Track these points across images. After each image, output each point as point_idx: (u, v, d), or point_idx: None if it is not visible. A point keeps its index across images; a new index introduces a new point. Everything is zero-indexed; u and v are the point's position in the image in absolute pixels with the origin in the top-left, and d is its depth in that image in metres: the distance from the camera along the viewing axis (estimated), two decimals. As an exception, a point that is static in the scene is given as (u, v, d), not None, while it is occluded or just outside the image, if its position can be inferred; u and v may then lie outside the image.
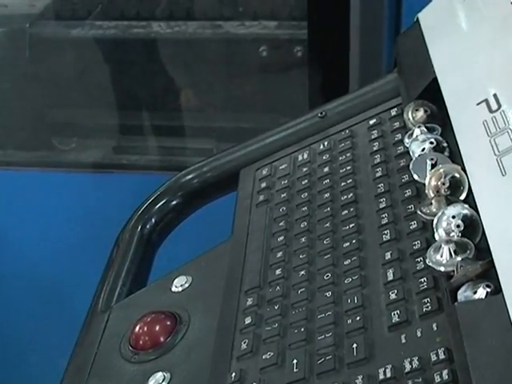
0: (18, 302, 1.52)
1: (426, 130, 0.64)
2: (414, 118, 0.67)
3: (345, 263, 0.60)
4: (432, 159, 0.60)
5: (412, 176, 0.62)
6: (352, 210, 0.65)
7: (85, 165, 1.62)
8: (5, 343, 1.56)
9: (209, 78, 1.66)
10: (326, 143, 0.76)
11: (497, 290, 0.47)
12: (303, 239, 0.65)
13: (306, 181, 0.72)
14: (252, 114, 1.67)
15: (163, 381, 0.59)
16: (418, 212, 0.58)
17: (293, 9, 1.60)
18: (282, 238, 0.66)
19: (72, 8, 1.70)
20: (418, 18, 0.78)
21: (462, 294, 0.48)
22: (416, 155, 0.62)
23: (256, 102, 1.67)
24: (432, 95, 0.68)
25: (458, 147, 0.60)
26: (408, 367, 0.48)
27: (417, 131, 0.64)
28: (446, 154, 0.62)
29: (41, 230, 1.45)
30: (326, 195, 0.68)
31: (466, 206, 0.55)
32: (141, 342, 0.63)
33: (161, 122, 1.68)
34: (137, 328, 0.64)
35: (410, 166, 0.62)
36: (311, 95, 1.40)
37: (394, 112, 0.74)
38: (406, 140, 0.66)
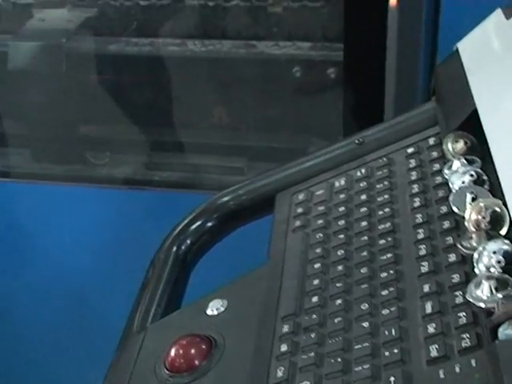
0: (47, 313, 1.53)
1: (465, 162, 0.64)
2: (453, 150, 0.67)
3: (382, 294, 0.60)
4: (472, 192, 0.60)
5: (451, 208, 0.62)
6: (390, 239, 0.65)
7: (117, 180, 1.64)
8: (32, 351, 1.57)
9: (242, 96, 1.67)
10: (363, 170, 0.76)
11: (538, 329, 0.47)
12: (340, 267, 0.65)
13: (343, 208, 0.72)
14: (283, 134, 1.68)
15: (198, 404, 0.59)
16: (458, 245, 0.58)
17: (327, 30, 1.61)
18: (318, 265, 0.66)
19: (108, 24, 1.72)
20: (457, 48, 0.78)
21: (503, 332, 0.48)
22: (456, 188, 0.62)
23: (288, 122, 1.68)
24: (472, 126, 0.68)
25: (499, 181, 0.60)
26: (446, 403, 0.48)
27: (457, 163, 0.64)
28: (487, 187, 0.62)
29: (73, 244, 1.47)
30: (364, 223, 0.68)
31: (507, 241, 0.54)
32: (176, 365, 0.63)
33: (193, 140, 1.70)
34: (172, 350, 0.64)
35: (450, 199, 0.62)
36: (345, 118, 1.41)
37: (432, 141, 0.74)
38: (446, 171, 0.66)
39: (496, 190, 0.61)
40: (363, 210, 0.70)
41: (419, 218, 0.65)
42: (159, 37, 1.67)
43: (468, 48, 0.78)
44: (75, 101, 1.68)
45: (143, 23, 1.72)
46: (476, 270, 0.55)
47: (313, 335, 0.59)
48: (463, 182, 0.62)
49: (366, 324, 0.57)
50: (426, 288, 0.58)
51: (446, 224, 0.62)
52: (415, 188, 0.69)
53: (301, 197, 0.77)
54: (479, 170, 0.63)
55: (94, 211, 1.45)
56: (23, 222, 1.51)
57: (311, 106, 1.64)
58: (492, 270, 0.53)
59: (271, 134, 1.70)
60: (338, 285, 0.63)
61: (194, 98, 1.68)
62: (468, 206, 0.59)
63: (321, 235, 0.70)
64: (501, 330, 0.48)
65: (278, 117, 1.68)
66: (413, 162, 0.73)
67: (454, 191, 0.62)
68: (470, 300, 0.52)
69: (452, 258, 0.59)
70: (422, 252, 0.61)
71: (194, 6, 1.69)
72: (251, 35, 1.66)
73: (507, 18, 0.76)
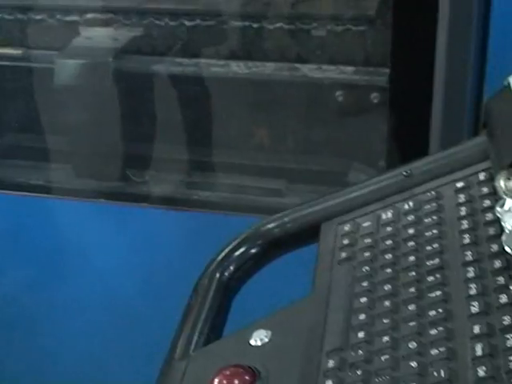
0: (88, 333, 1.54)
1: (519, 201, 0.63)
2: (506, 187, 0.66)
3: (431, 333, 0.59)
4: (526, 234, 0.59)
5: (503, 247, 0.61)
6: (438, 276, 0.64)
7: (157, 199, 1.65)
8: (71, 372, 1.58)
9: (283, 119, 1.67)
10: (410, 203, 0.75)
11: None
12: (387, 303, 0.64)
13: (390, 241, 0.71)
14: (324, 157, 1.68)
15: None
16: (510, 286, 0.57)
17: (371, 54, 1.60)
18: (364, 299, 0.66)
19: (153, 43, 1.74)
20: (509, 83, 0.77)
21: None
22: (509, 227, 0.61)
23: (329, 146, 1.68)
24: (525, 164, 0.67)
25: (553, 222, 0.59)
26: None
27: (509, 202, 0.63)
28: (541, 228, 0.61)
29: (112, 263, 1.48)
30: (411, 258, 0.68)
31: (562, 285, 0.53)
32: (219, 395, 0.63)
33: (233, 160, 1.70)
34: (216, 380, 0.64)
35: (503, 238, 0.61)
36: (388, 144, 1.40)
37: (482, 176, 0.73)
38: (498, 209, 0.65)
39: (550, 231, 0.60)
40: (411, 244, 0.69)
41: (469, 256, 0.64)
42: (203, 57, 1.68)
43: (521, 82, 0.77)
44: (118, 118, 1.69)
45: (188, 43, 1.74)
46: (529, 314, 0.54)
47: (359, 372, 0.58)
48: (516, 222, 0.61)
49: (413, 363, 0.57)
50: (477, 329, 0.57)
51: (498, 264, 0.61)
52: (465, 224, 0.68)
53: (347, 228, 0.77)
54: (533, 210, 0.62)
55: (134, 230, 1.46)
56: (62, 239, 1.52)
57: (353, 130, 1.63)
58: (546, 314, 0.52)
59: (311, 157, 1.70)
60: (384, 321, 0.62)
61: (236, 118, 1.69)
62: (521, 247, 0.59)
63: (367, 269, 0.69)
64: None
65: (319, 140, 1.68)
66: (462, 197, 0.72)
67: (506, 231, 0.61)
68: (523, 345, 0.51)
69: (503, 299, 0.58)
70: (472, 291, 0.60)
71: (238, 27, 1.70)
72: (294, 58, 1.67)
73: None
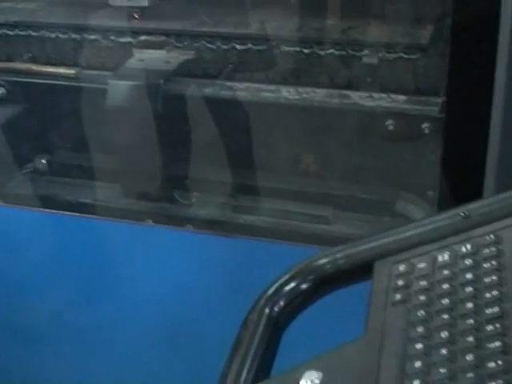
0: (136, 352, 1.53)
1: None
2: None
3: (490, 385, 0.57)
4: None
5: None
6: (497, 325, 0.62)
7: (203, 220, 1.65)
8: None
9: (332, 145, 1.66)
10: (468, 246, 0.73)
11: None
12: (443, 351, 0.62)
13: (447, 285, 0.70)
14: (372, 185, 1.66)
15: None
16: None
17: (423, 83, 1.59)
18: (420, 345, 0.64)
19: (204, 67, 1.75)
20: None
21: None
22: None
23: (377, 174, 1.66)
24: None
25: None
26: None
27: None
28: None
29: (158, 286, 1.48)
30: (469, 305, 0.66)
31: None
32: None
33: (280, 185, 1.70)
34: (265, 422, 0.63)
35: None
36: (438, 176, 1.38)
37: (544, 221, 0.71)
38: (562, 258, 0.63)
39: None
40: (469, 290, 0.68)
41: (530, 306, 0.62)
42: (254, 82, 1.68)
43: None
44: (167, 140, 1.70)
45: (239, 67, 1.75)
46: None
47: (414, 423, 0.57)
48: None
49: (471, 417, 0.55)
50: (538, 384, 0.55)
51: (562, 316, 0.59)
52: (526, 271, 0.66)
53: (401, 268, 0.75)
54: None
55: (179, 254, 1.46)
56: (107, 260, 1.53)
57: (402, 159, 1.62)
58: None
59: (359, 185, 1.68)
60: (441, 370, 0.61)
61: (285, 144, 1.69)
62: None
63: (423, 313, 0.68)
64: None
65: (368, 168, 1.67)
66: (523, 242, 0.70)
67: None
68: None
69: None
70: (535, 344, 0.58)
71: (289, 52, 1.70)
72: (345, 85, 1.66)
73: None
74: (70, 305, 1.59)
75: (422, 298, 0.70)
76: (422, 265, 0.74)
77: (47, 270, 1.58)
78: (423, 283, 0.71)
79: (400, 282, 0.73)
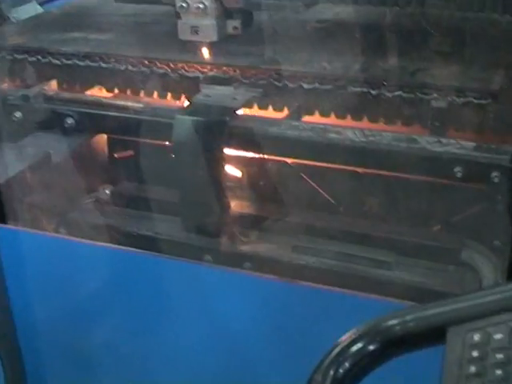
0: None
1: None
2: None
3: None
4: None
5: None
6: None
7: (262, 258, 1.64)
8: None
9: (396, 189, 1.64)
10: (549, 319, 0.70)
11: None
12: None
13: (526, 361, 0.67)
14: (436, 232, 1.63)
15: None
16: None
17: (493, 130, 1.55)
18: (496, 426, 0.61)
19: (271, 104, 1.75)
20: None
21: None
22: None
23: (442, 221, 1.63)
24: None
25: None
26: None
27: None
28: None
29: (211, 328, 1.46)
30: (551, 385, 0.63)
31: None
32: None
33: (342, 227, 1.67)
34: None
35: None
36: (507, 228, 1.34)
37: None
38: None
39: None
40: (550, 368, 0.64)
41: None
42: (319, 121, 1.67)
43: None
44: (230, 176, 1.70)
45: (305, 106, 1.74)
46: None
47: None
48: None
49: None
50: None
51: None
52: None
53: (476, 337, 0.72)
54: None
55: (239, 297, 1.44)
56: (163, 296, 1.52)
57: (469, 207, 1.58)
58: None
59: (423, 230, 1.65)
60: None
61: (348, 186, 1.67)
62: None
63: (500, 390, 0.65)
64: None
65: (433, 214, 1.63)
66: None
67: None
68: None
69: None
70: None
71: (356, 92, 1.68)
72: (413, 129, 1.64)
73: None
74: (123, 337, 1.59)
75: (498, 372, 0.67)
76: (498, 335, 0.71)
77: (103, 302, 1.58)
78: (499, 356, 0.69)
79: (475, 354, 0.71)
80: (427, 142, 1.53)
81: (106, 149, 1.87)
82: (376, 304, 1.31)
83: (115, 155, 1.85)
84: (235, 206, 1.72)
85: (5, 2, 2.51)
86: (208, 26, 1.80)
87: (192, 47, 1.85)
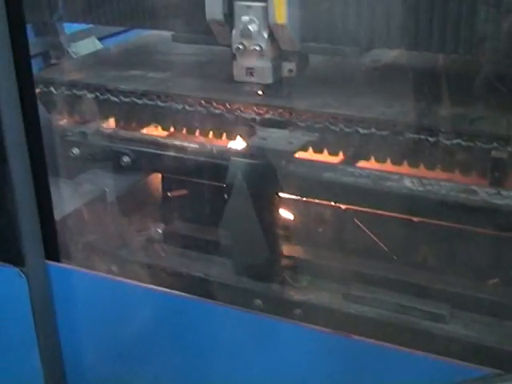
0: None
1: None
2: None
3: None
4: None
5: None
6: None
7: (312, 306, 1.61)
8: None
9: (453, 240, 1.60)
10: None
11: None
12: None
13: None
14: (495, 285, 1.58)
15: None
16: None
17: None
18: None
19: (327, 149, 1.73)
20: None
21: None
22: None
23: (500, 275, 1.58)
24: None
25: None
26: None
27: None
28: None
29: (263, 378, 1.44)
30: None
31: None
32: None
33: (395, 276, 1.64)
34: None
35: None
36: None
37: None
38: None
39: None
40: None
41: None
42: (375, 169, 1.65)
43: None
44: (283, 221, 1.69)
45: (361, 152, 1.72)
46: None
47: None
48: None
49: None
50: None
51: None
52: None
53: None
54: None
55: (291, 348, 1.41)
56: (211, 341, 1.50)
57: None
58: None
59: (479, 283, 1.60)
60: None
61: (403, 234, 1.64)
62: None
63: None
64: None
65: (491, 267, 1.59)
66: None
67: None
68: None
69: None
70: None
71: (413, 139, 1.66)
72: (471, 179, 1.60)
73: None
74: (170, 380, 1.57)
75: None
76: None
77: (151, 344, 1.57)
78: None
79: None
80: (487, 193, 1.49)
81: (159, 187, 1.87)
82: (429, 362, 1.27)
83: (169, 194, 1.85)
84: (287, 250, 1.70)
85: (64, 35, 2.57)
86: (263, 68, 1.80)
87: (248, 88, 1.85)
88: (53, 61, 2.48)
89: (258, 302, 1.64)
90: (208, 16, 1.77)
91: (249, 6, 1.74)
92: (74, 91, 1.96)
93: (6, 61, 1.44)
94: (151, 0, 1.87)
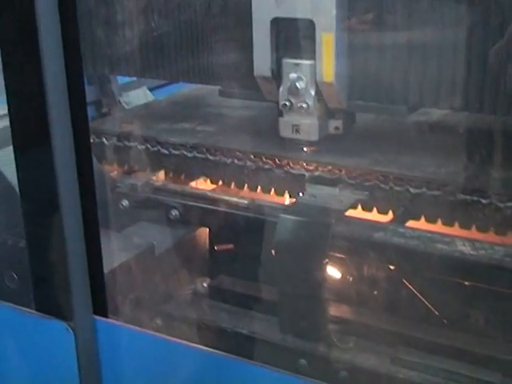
0: None
1: None
2: None
3: None
4: None
5: None
6: None
7: (359, 369, 1.58)
8: None
9: (506, 305, 1.56)
10: None
11: None
12: None
13: None
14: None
15: None
16: None
17: None
18: None
19: (377, 208, 1.72)
20: None
21: None
22: None
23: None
24: None
25: None
26: None
27: None
28: None
29: None
30: None
31: None
32: None
33: (444, 341, 1.60)
34: None
35: None
36: None
37: None
38: None
39: None
40: None
41: None
42: (425, 229, 1.62)
43: None
44: (331, 280, 1.67)
45: (411, 212, 1.69)
46: None
47: None
48: None
49: None
50: None
51: None
52: None
53: None
54: None
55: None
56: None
57: None
58: None
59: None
60: None
61: (453, 297, 1.60)
62: None
63: None
64: None
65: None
66: None
67: None
68: None
69: None
70: None
71: (465, 200, 1.63)
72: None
73: None
74: None
75: None
76: None
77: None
78: None
79: None
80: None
81: (206, 241, 1.87)
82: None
83: (216, 248, 1.84)
84: (335, 310, 1.67)
85: (117, 85, 2.62)
86: (310, 125, 1.81)
87: (296, 144, 1.85)
88: (104, 109, 2.53)
89: (303, 361, 1.61)
90: (256, 72, 1.79)
91: (297, 64, 1.75)
92: (126, 142, 1.99)
93: (63, 111, 1.45)
94: (201, 56, 1.89)
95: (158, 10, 1.87)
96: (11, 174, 1.62)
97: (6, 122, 1.53)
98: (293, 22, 1.72)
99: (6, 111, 1.51)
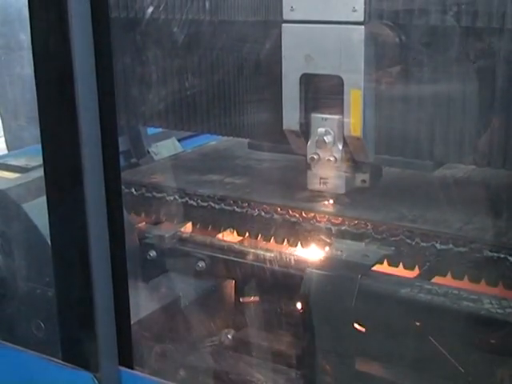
0: None
1: None
2: None
3: None
4: None
5: None
6: None
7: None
8: None
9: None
10: None
11: None
12: None
13: None
14: None
15: None
16: None
17: None
18: None
19: (404, 263, 1.71)
20: None
21: None
22: None
23: None
24: None
25: None
26: None
27: None
28: None
29: None
30: None
31: None
32: None
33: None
34: None
35: None
36: None
37: None
38: None
39: None
40: None
41: None
42: (452, 287, 1.61)
43: None
44: (358, 334, 1.66)
45: (437, 268, 1.69)
46: None
47: None
48: None
49: None
50: None
51: None
52: None
53: None
54: None
55: None
56: None
57: None
58: None
59: None
60: None
61: (480, 356, 1.58)
62: None
63: None
64: None
65: None
66: None
67: None
68: None
69: None
70: None
71: (492, 257, 1.62)
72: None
73: None
74: None
75: None
76: None
77: None
78: None
79: None
80: None
81: (232, 293, 1.87)
82: None
83: (241, 299, 1.85)
84: (360, 365, 1.66)
85: (146, 136, 2.66)
86: (337, 179, 1.82)
87: (324, 197, 1.87)
88: (133, 160, 2.56)
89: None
90: (285, 126, 1.82)
91: (325, 118, 1.78)
92: (154, 193, 2.02)
93: (96, 163, 1.48)
94: (232, 112, 1.93)
95: (191, 71, 1.91)
96: (42, 224, 1.65)
97: (38, 173, 1.56)
98: (321, 77, 1.75)
99: (39, 162, 1.54)
